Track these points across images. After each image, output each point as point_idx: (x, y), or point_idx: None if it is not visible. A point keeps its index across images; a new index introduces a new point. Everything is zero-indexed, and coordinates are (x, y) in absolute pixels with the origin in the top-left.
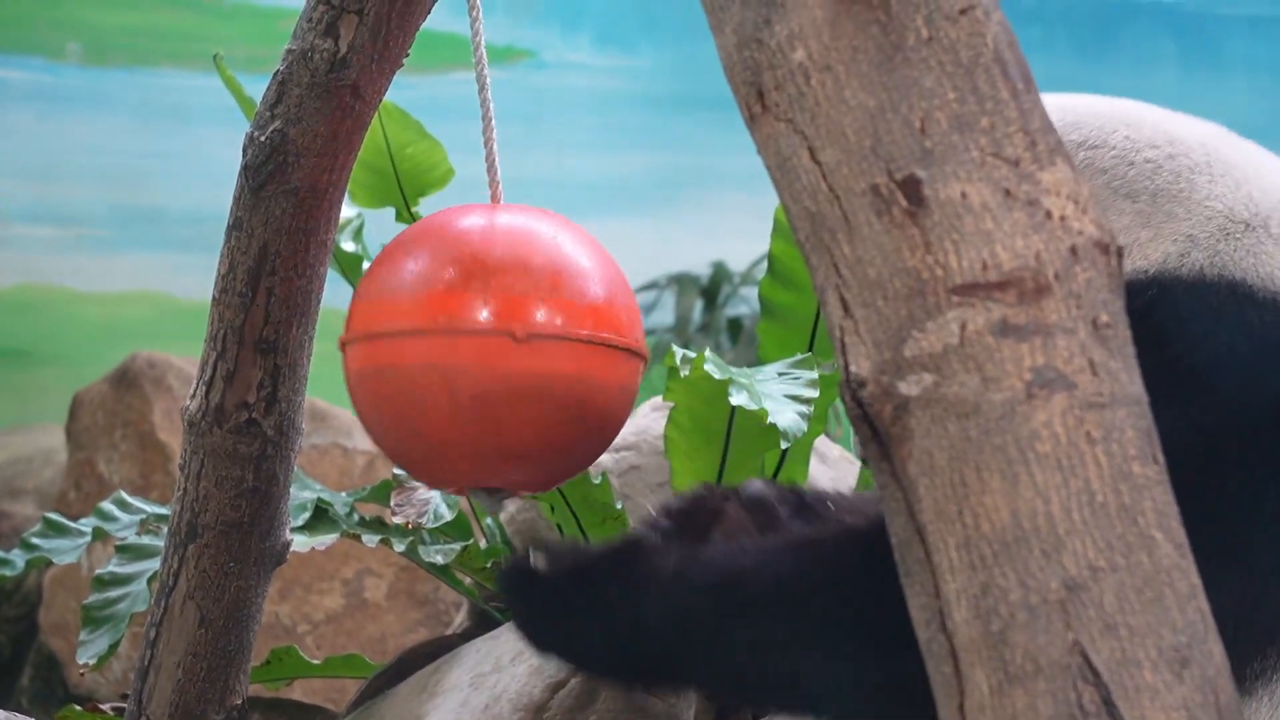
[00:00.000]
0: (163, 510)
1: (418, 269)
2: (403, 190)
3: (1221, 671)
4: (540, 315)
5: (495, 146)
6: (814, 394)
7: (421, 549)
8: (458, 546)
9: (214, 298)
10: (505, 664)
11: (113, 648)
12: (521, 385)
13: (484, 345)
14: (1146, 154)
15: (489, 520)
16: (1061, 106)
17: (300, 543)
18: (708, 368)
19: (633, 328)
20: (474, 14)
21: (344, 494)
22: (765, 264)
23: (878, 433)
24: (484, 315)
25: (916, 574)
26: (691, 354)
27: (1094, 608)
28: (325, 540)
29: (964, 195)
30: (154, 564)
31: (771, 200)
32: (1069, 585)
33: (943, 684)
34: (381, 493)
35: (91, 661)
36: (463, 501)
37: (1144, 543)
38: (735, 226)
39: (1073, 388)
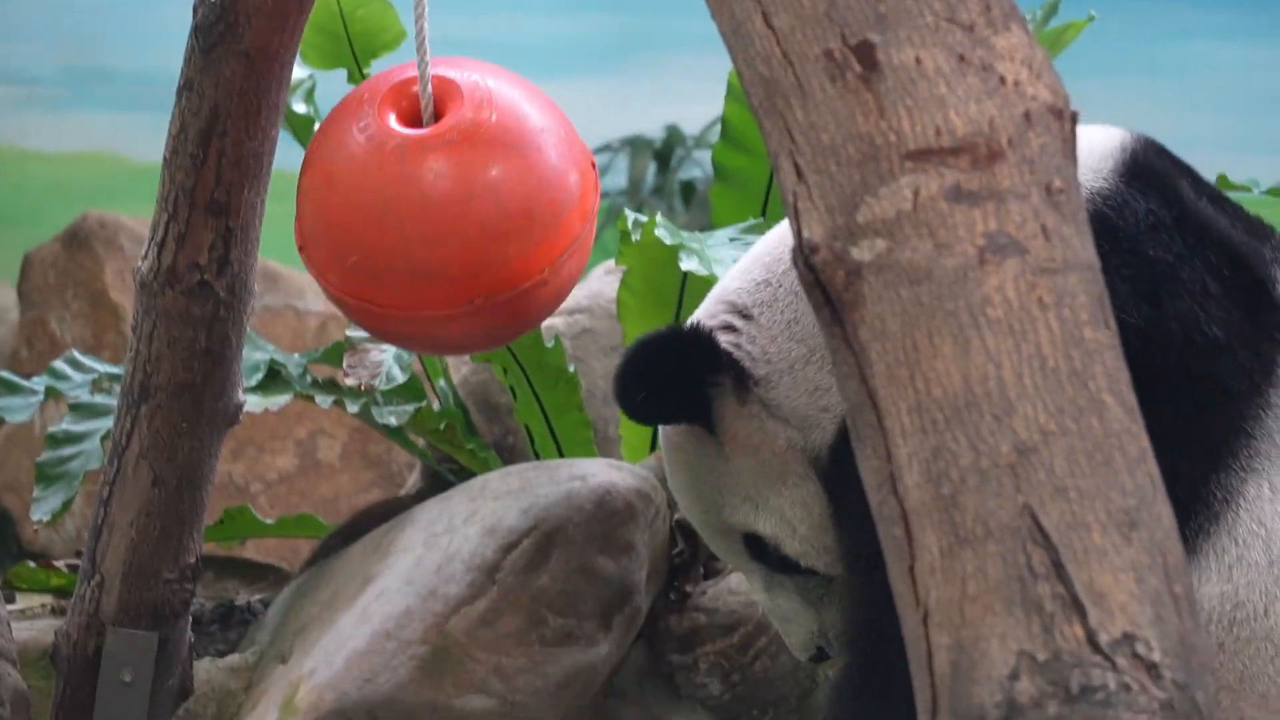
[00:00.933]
0: (115, 370)
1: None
2: (354, 52)
3: (1170, 534)
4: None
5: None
6: None
7: (375, 410)
8: (411, 408)
9: (165, 159)
10: (458, 525)
11: (66, 505)
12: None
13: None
14: None
15: (441, 382)
16: None
17: (253, 403)
18: (659, 233)
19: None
20: None
21: (297, 355)
22: (719, 127)
23: (830, 298)
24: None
25: (869, 438)
26: (644, 218)
27: (1044, 471)
28: (278, 401)
29: (918, 60)
30: (107, 423)
31: (726, 63)
32: (1019, 449)
33: (893, 547)
34: (334, 354)
35: (45, 518)
36: (416, 363)
37: (1095, 407)
38: (689, 89)
39: (1025, 253)
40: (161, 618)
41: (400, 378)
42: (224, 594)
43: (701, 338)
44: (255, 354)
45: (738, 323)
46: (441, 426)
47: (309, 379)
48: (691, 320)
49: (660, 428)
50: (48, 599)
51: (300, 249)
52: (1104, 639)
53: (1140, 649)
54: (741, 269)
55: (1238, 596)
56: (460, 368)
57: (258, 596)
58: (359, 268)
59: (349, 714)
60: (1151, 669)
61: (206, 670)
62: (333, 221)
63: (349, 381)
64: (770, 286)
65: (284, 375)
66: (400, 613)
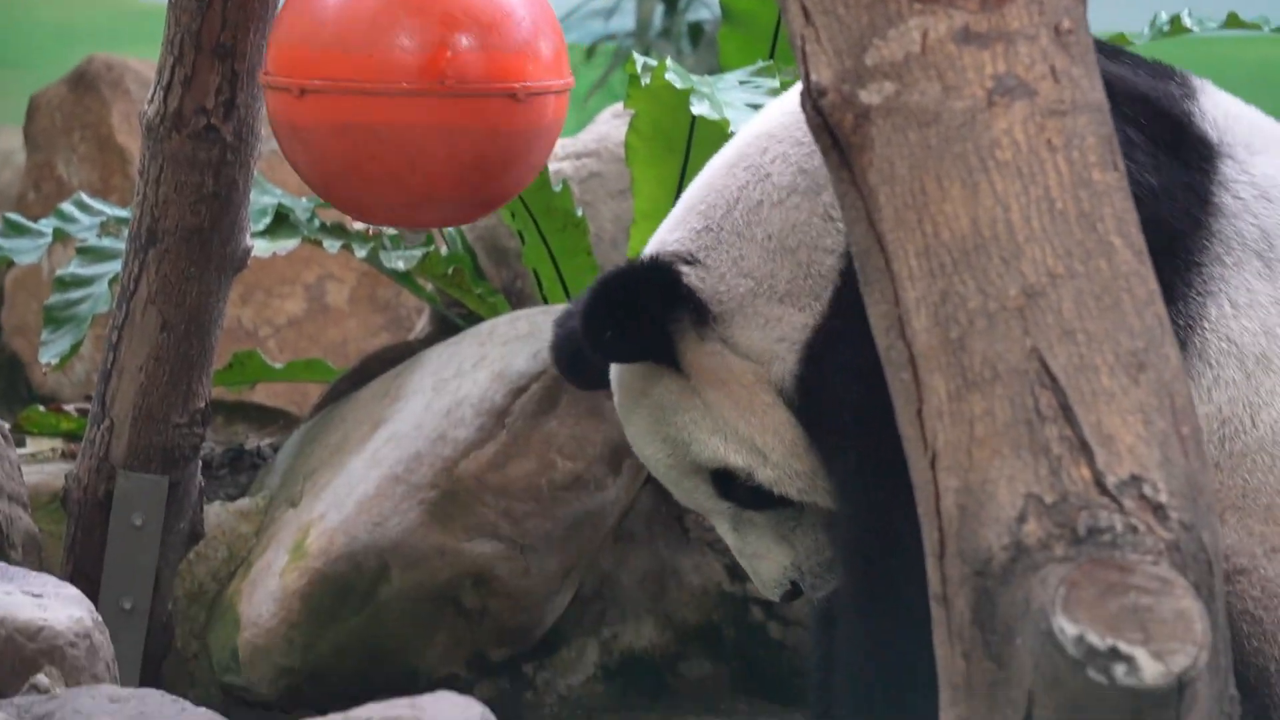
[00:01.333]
0: (123, 213)
1: (374, 17)
2: None
3: (1177, 375)
4: (529, 69)
5: None
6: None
7: (383, 255)
8: (418, 253)
9: (170, 1)
10: (467, 369)
11: (74, 348)
12: (519, 142)
13: (487, 106)
14: None
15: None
16: None
17: (261, 248)
18: (669, 77)
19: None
20: None
21: (304, 199)
22: None
23: (838, 141)
24: (479, 75)
25: (876, 282)
26: (653, 62)
27: (1052, 314)
28: (286, 245)
29: None
30: (115, 266)
31: None
32: (1028, 292)
33: (901, 390)
34: None
35: (54, 361)
36: None
37: (1103, 249)
38: None
39: (1034, 95)
40: (171, 461)
41: None
42: (233, 438)
43: (663, 271)
44: (263, 198)
45: (685, 269)
46: (449, 271)
47: (317, 223)
48: (644, 256)
49: (614, 380)
50: (58, 443)
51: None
52: (1111, 481)
53: (1147, 490)
54: (674, 223)
55: (1222, 414)
56: None
57: (267, 441)
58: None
59: (359, 558)
60: (1158, 510)
61: (217, 514)
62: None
63: (357, 226)
64: (711, 232)
65: (292, 219)
66: (410, 457)
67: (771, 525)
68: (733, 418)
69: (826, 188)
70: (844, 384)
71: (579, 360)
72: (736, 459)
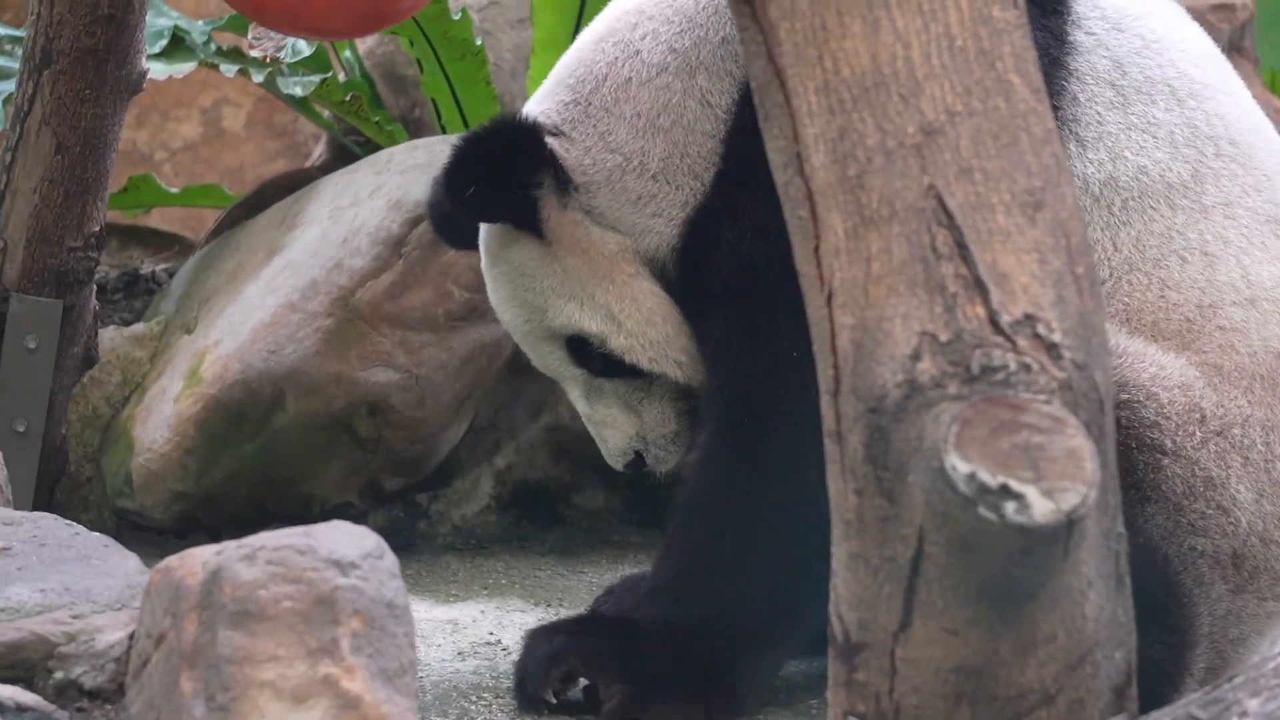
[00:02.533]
0: (18, 33)
1: None
2: None
3: (1074, 215)
4: None
5: None
6: None
7: (280, 80)
8: (316, 79)
9: None
10: (364, 198)
11: None
12: None
13: None
14: None
15: (347, 53)
16: None
17: (157, 70)
18: None
19: None
20: None
21: (201, 22)
22: None
23: None
24: None
25: (775, 118)
26: None
27: (950, 152)
28: (183, 69)
29: None
30: (9, 86)
31: None
32: (926, 130)
33: (799, 228)
34: (240, 23)
35: None
36: None
37: (1001, 87)
38: None
39: None
40: (66, 285)
41: (306, 50)
42: (129, 263)
43: (525, 131)
44: (159, 20)
45: (550, 141)
46: (347, 98)
47: (213, 47)
48: (509, 119)
49: (480, 242)
50: None
51: None
52: (1005, 320)
53: (1041, 330)
54: (542, 95)
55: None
56: (366, 39)
57: (162, 266)
58: None
59: (254, 385)
60: (1051, 349)
61: (111, 338)
62: None
63: (254, 52)
64: (579, 105)
65: (188, 42)
66: (306, 285)
67: (620, 394)
68: (590, 285)
69: (701, 69)
70: (727, 259)
71: (450, 220)
72: (590, 325)
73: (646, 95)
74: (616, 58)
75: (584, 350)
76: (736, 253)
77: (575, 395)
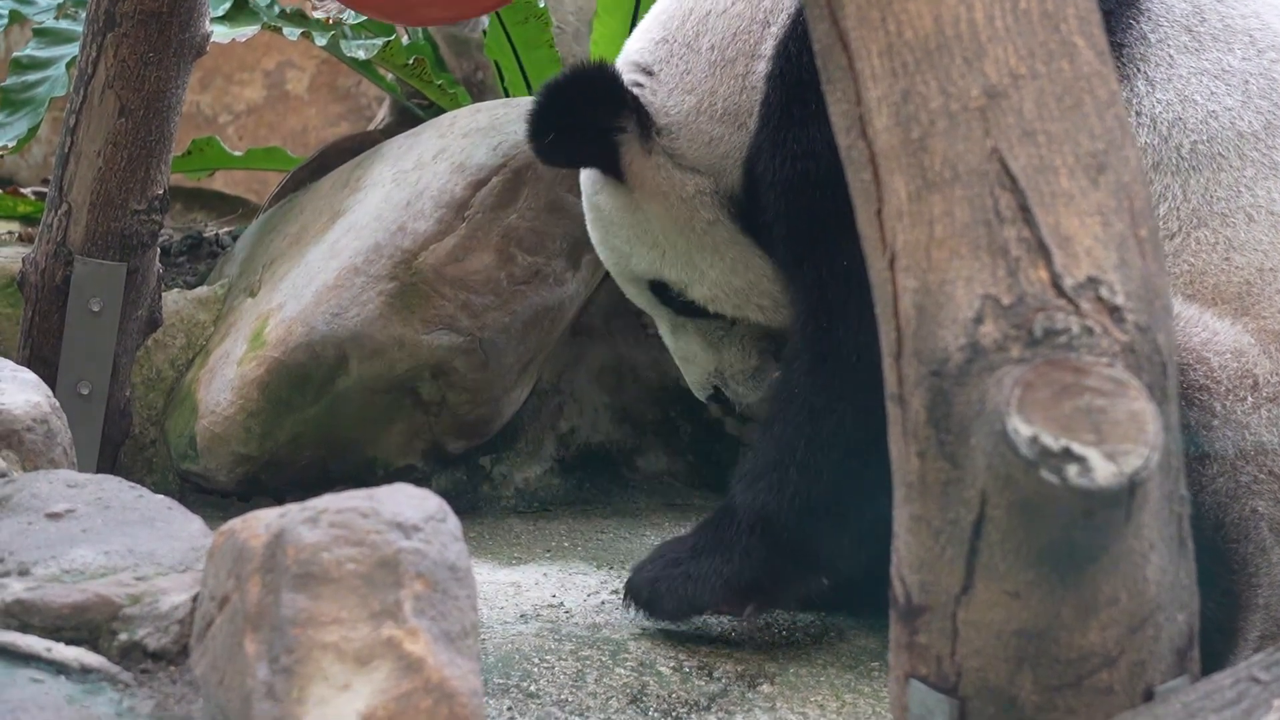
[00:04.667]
0: None
1: None
2: None
3: (1137, 177)
4: None
5: None
6: None
7: (343, 44)
8: (380, 42)
9: None
10: (427, 161)
11: (32, 131)
12: None
13: None
14: None
15: None
16: None
17: (220, 34)
18: None
19: None
20: None
21: None
22: None
23: None
24: None
25: (839, 81)
26: None
27: (1013, 114)
28: (246, 32)
29: None
30: (73, 49)
31: None
32: (989, 92)
33: (861, 190)
34: None
35: (11, 144)
36: None
37: (1065, 49)
38: None
39: None
40: (129, 248)
41: None
42: (192, 226)
43: (606, 77)
44: None
45: (642, 79)
46: (410, 61)
47: (277, 9)
48: (596, 63)
49: (583, 188)
50: (15, 226)
51: None
52: (1068, 283)
53: (1104, 292)
54: (642, 30)
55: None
56: None
57: (226, 229)
58: None
59: (317, 348)
60: (1114, 312)
61: (175, 301)
62: None
63: (318, 14)
64: (666, 44)
65: (251, 5)
66: (369, 248)
67: (702, 332)
68: (671, 233)
69: None
70: (778, 197)
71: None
72: (671, 273)
73: (720, 26)
74: None
75: (666, 293)
76: (790, 189)
77: (662, 329)
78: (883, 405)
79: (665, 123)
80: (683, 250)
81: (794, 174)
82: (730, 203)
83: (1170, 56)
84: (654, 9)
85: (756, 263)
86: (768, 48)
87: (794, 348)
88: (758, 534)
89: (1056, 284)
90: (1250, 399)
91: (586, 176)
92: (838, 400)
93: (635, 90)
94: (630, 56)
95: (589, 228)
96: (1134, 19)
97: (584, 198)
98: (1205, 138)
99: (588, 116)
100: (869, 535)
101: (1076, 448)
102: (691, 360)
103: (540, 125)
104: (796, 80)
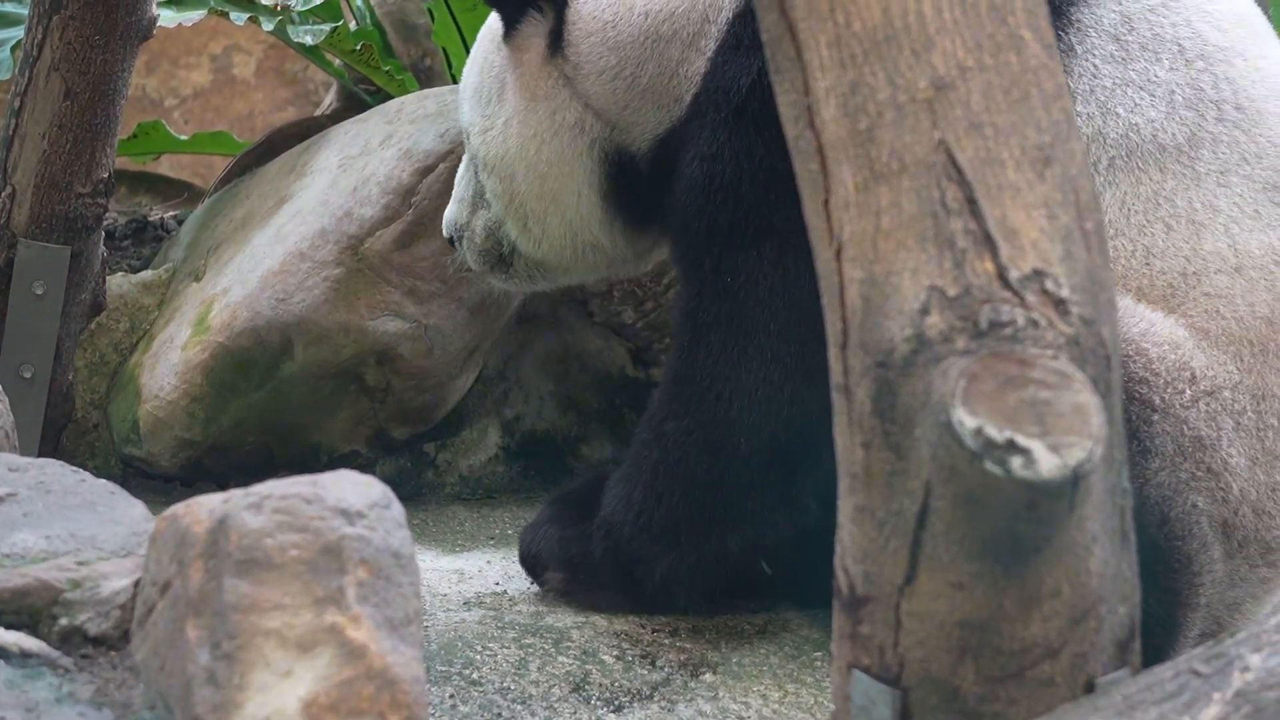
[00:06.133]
0: None
1: None
2: None
3: (1083, 171)
4: None
5: None
6: None
7: (290, 29)
8: (327, 28)
9: None
10: (374, 147)
11: None
12: None
13: None
14: None
15: (359, 2)
16: None
17: (167, 17)
18: None
19: None
20: None
21: None
22: None
23: None
24: None
25: (787, 71)
26: None
27: (961, 107)
28: (193, 16)
29: None
30: (18, 32)
31: None
32: (937, 84)
33: (809, 180)
34: None
35: None
36: None
37: (1013, 42)
38: None
39: None
40: (74, 231)
41: None
42: (137, 209)
43: None
44: None
45: None
46: (358, 47)
47: None
48: None
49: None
50: None
51: None
52: (1014, 275)
53: (1049, 285)
54: None
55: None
56: None
57: (171, 213)
58: None
59: (262, 333)
60: (1059, 305)
61: (119, 285)
62: None
63: None
64: None
65: None
66: (315, 233)
67: (473, 189)
68: (516, 131)
69: None
70: (684, 192)
71: None
72: (482, 149)
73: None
74: None
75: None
76: (710, 188)
77: (464, 160)
78: (729, 440)
79: (577, 55)
80: (513, 148)
81: (706, 177)
82: (612, 161)
83: (1095, 67)
84: None
85: (595, 218)
86: (708, 45)
87: (671, 351)
88: (601, 534)
89: (1002, 276)
90: (1188, 392)
91: (489, 39)
92: (687, 432)
93: None
94: None
95: (465, 71)
96: (1061, 29)
97: (476, 46)
98: (1124, 152)
99: None
100: (709, 565)
101: (1021, 440)
102: (455, 200)
103: None
104: (729, 89)
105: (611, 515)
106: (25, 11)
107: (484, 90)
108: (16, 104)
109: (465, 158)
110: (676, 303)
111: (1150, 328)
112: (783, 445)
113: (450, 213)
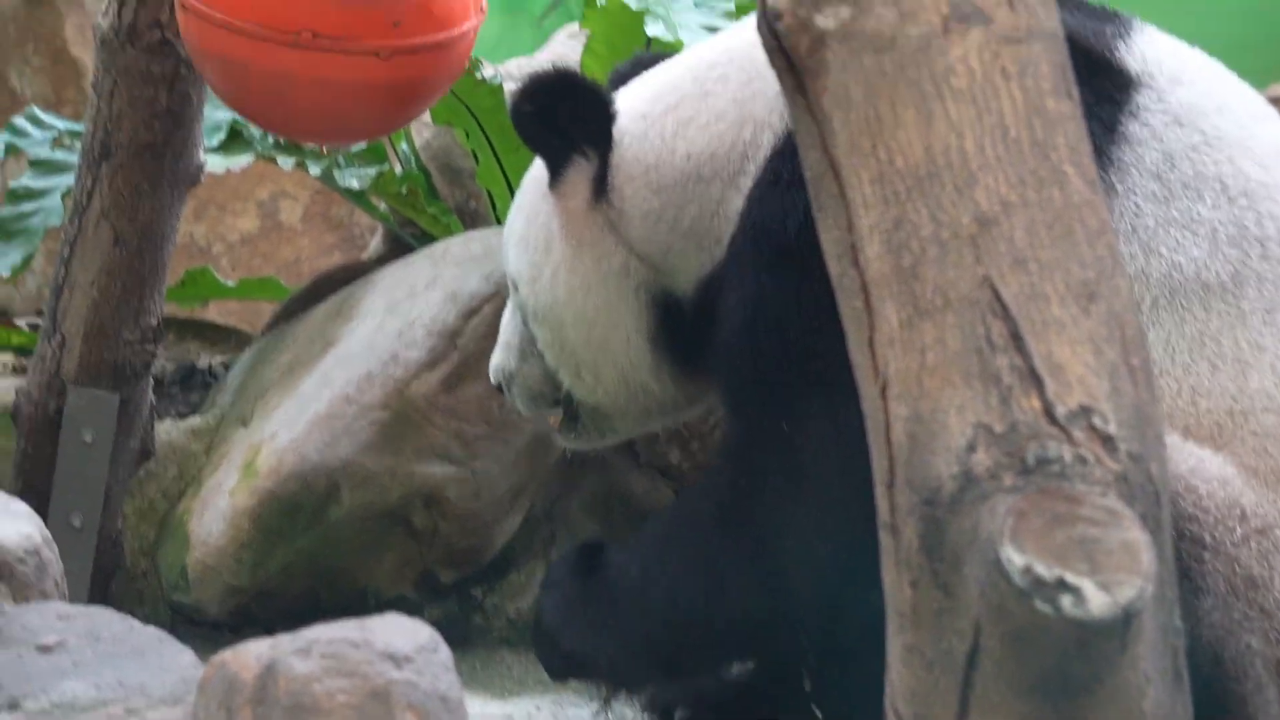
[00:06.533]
0: (76, 127)
1: None
2: None
3: (1128, 306)
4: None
5: None
6: (729, 26)
7: (337, 173)
8: (373, 171)
9: None
10: (420, 290)
11: (26, 261)
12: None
13: (354, 63)
14: None
15: (404, 145)
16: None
17: (214, 164)
18: None
19: None
20: None
21: None
22: None
23: (793, 66)
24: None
25: (830, 209)
26: None
27: (1004, 243)
28: (240, 162)
29: None
30: (67, 180)
31: None
32: (980, 220)
33: (853, 318)
34: None
35: (5, 274)
36: None
37: (1056, 178)
38: None
39: (989, 22)
40: (123, 378)
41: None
42: (185, 356)
43: (602, 102)
44: (217, 113)
45: (619, 136)
46: (403, 190)
47: (270, 140)
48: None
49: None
50: (8, 357)
51: None
52: (1061, 411)
53: (1096, 421)
54: (637, 89)
55: None
56: (423, 131)
57: (219, 359)
58: None
59: (309, 477)
60: (1107, 441)
61: (167, 431)
62: None
63: (311, 144)
64: (644, 121)
65: (245, 135)
66: (361, 377)
67: (522, 336)
68: (563, 278)
69: (750, 121)
70: (730, 335)
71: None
72: (530, 299)
73: (701, 141)
74: (690, 93)
75: (516, 290)
76: (751, 330)
77: (509, 305)
78: (753, 576)
79: (621, 200)
80: (561, 296)
81: (751, 320)
82: (659, 304)
83: (1137, 206)
84: (654, 73)
85: (645, 363)
86: (746, 183)
87: (712, 471)
88: (607, 629)
89: (1049, 412)
90: (1239, 529)
91: (534, 182)
92: (715, 559)
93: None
94: (620, 105)
95: (511, 216)
96: (1102, 168)
97: (521, 190)
98: (1168, 291)
99: (568, 119)
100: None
101: (1070, 578)
102: (502, 346)
103: (531, 92)
104: (769, 226)
105: (620, 614)
106: (75, 159)
107: (530, 238)
108: (66, 252)
109: (510, 303)
110: (724, 439)
111: (1199, 464)
112: (832, 586)
113: (497, 359)
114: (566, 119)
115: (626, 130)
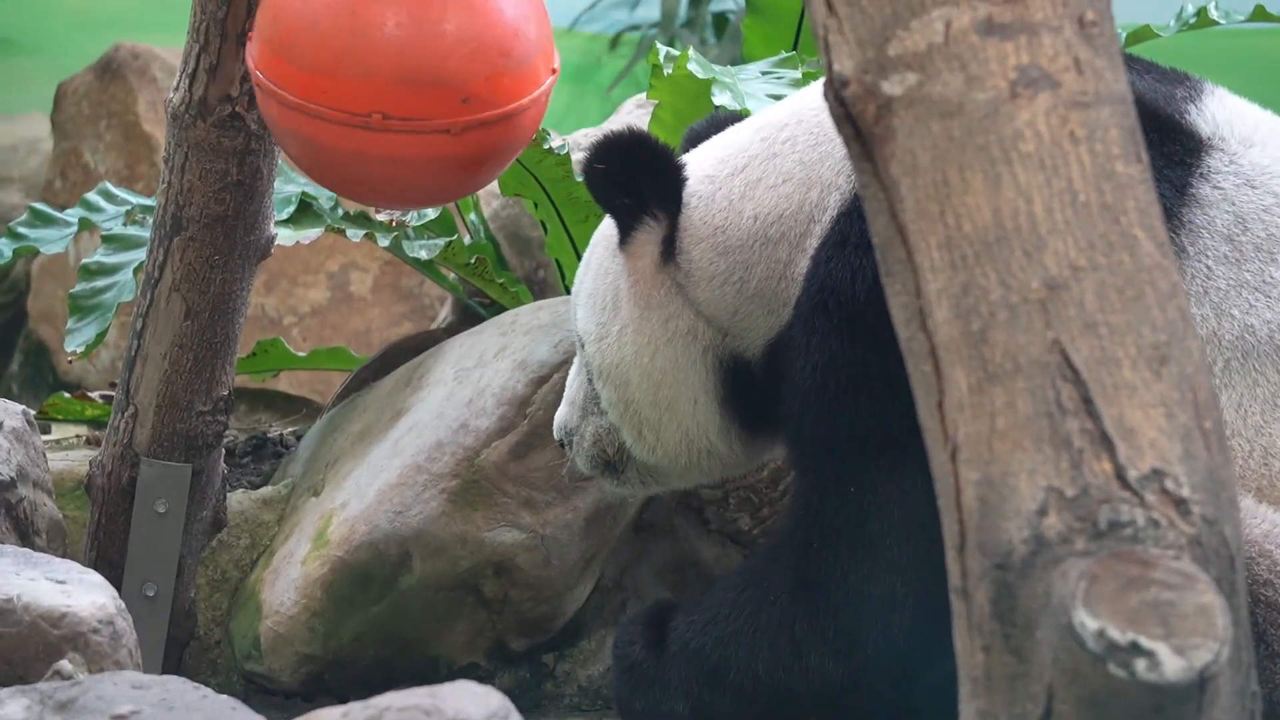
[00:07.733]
0: (148, 202)
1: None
2: None
3: (1200, 369)
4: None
5: None
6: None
7: (406, 244)
8: (441, 242)
9: None
10: (489, 359)
11: (100, 336)
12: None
13: (425, 140)
14: None
15: (472, 216)
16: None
17: (285, 236)
18: (691, 66)
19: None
20: None
21: None
22: None
23: (860, 133)
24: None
25: (898, 274)
26: (676, 52)
27: (1074, 306)
28: (310, 234)
29: None
30: (140, 255)
31: None
32: (1050, 284)
33: (922, 383)
34: None
35: (79, 349)
36: None
37: (1126, 242)
38: None
39: (1057, 86)
40: (195, 449)
41: (431, 212)
42: (257, 426)
43: (674, 167)
44: (287, 186)
45: (688, 199)
46: (472, 260)
47: (340, 212)
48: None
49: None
50: (82, 430)
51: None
52: (1133, 475)
53: (1169, 485)
54: (704, 151)
55: None
56: (491, 202)
57: (290, 429)
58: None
59: (380, 546)
60: (1180, 504)
61: (239, 502)
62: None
63: (380, 216)
64: (712, 183)
65: (315, 208)
66: (431, 446)
67: (585, 394)
68: (631, 341)
69: (817, 184)
70: (797, 399)
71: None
72: (597, 358)
73: (769, 202)
74: (757, 155)
75: (582, 347)
76: (820, 393)
77: (576, 363)
78: (829, 642)
79: (689, 262)
80: (628, 356)
81: (820, 385)
82: (727, 367)
83: (1209, 269)
84: (723, 135)
85: (713, 425)
86: (812, 244)
87: (782, 535)
88: (681, 697)
89: (1121, 476)
90: None
91: (605, 239)
92: (790, 625)
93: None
94: (690, 167)
95: (580, 274)
96: (1173, 230)
97: (590, 246)
98: (1240, 353)
99: (640, 180)
100: None
101: (1144, 642)
102: (567, 403)
103: (604, 152)
104: (836, 288)
105: (687, 687)
106: (147, 234)
107: (598, 297)
108: (139, 324)
109: (577, 361)
110: (792, 502)
111: (1274, 529)
112: (906, 650)
113: (561, 415)
114: (638, 180)
115: (695, 192)
